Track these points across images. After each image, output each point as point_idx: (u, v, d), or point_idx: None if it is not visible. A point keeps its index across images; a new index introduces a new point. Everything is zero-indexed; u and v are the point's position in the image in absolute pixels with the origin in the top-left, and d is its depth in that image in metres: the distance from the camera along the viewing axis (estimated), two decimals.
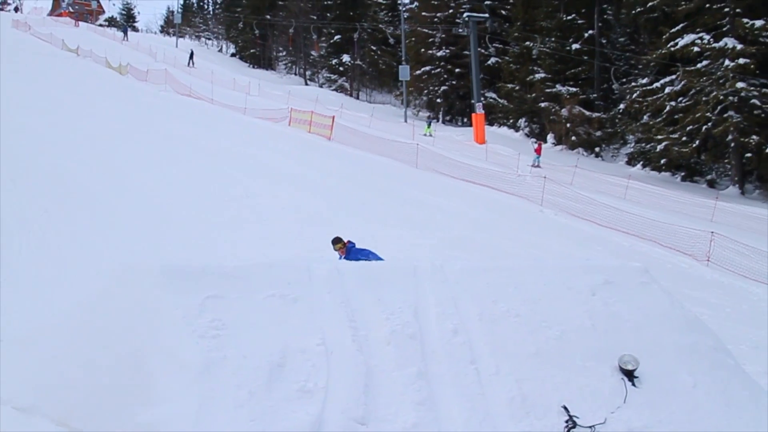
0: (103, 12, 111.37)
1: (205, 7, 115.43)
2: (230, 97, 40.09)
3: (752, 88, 37.27)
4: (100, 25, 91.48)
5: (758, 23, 37.08)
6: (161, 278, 5.74)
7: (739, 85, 36.91)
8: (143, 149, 21.28)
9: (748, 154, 38.53)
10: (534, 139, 45.44)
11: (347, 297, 5.98)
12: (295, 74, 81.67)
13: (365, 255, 10.21)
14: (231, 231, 13.83)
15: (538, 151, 36.40)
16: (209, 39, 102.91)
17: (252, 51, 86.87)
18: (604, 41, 53.01)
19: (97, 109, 27.61)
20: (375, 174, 25.01)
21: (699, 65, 39.00)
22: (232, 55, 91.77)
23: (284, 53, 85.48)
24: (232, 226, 14.27)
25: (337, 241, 10.67)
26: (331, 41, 74.64)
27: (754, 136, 37.23)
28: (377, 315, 5.81)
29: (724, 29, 38.50)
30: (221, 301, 5.61)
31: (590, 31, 51.63)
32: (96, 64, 47.30)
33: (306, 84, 74.66)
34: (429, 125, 46.35)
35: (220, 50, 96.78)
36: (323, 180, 21.83)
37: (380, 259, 10.18)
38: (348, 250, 10.48)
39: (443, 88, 62.37)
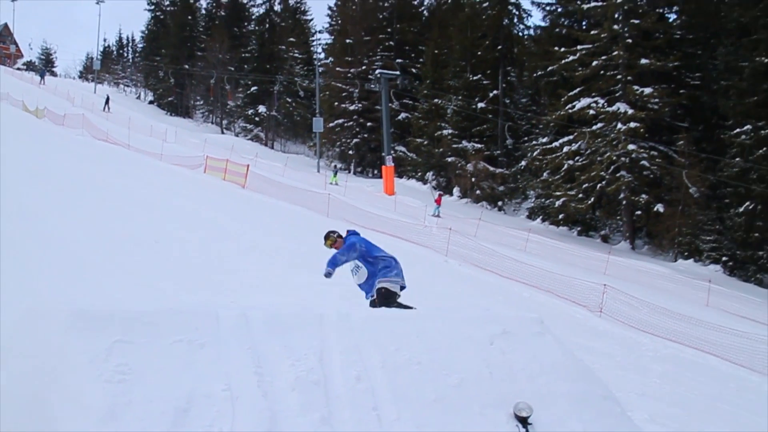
0: (22, 56, 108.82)
1: (125, 54, 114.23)
2: (147, 143, 39.56)
3: (642, 150, 38.97)
4: (18, 69, 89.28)
5: (647, 90, 38.95)
6: (68, 322, 5.55)
7: (630, 147, 38.53)
8: (56, 193, 20.70)
9: (638, 212, 40.20)
10: (438, 191, 46.33)
11: (254, 343, 5.89)
12: (212, 123, 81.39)
13: (349, 246, 8.98)
14: (141, 275, 13.51)
15: (438, 201, 37.54)
16: (128, 86, 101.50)
17: (170, 99, 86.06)
18: (507, 101, 54.61)
19: (10, 152, 26.78)
20: (287, 221, 24.91)
21: (594, 127, 40.47)
22: (150, 102, 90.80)
23: (202, 102, 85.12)
24: (142, 271, 13.94)
25: (327, 237, 9.45)
26: (248, 92, 74.66)
27: (644, 195, 38.89)
28: (283, 361, 5.75)
29: (617, 95, 40.27)
30: (129, 345, 5.45)
31: (495, 91, 53.23)
32: (12, 107, 45.98)
33: (222, 132, 74.46)
34: (335, 174, 47.32)
35: (139, 97, 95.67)
36: (236, 226, 21.61)
37: (369, 245, 9.15)
38: (343, 243, 9.22)
39: (355, 140, 63.21)
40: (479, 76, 53.67)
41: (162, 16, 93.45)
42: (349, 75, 63.35)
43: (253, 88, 74.39)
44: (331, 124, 62.89)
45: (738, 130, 37.32)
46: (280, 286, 13.08)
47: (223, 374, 5.44)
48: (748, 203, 36.66)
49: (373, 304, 8.63)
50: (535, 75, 50.00)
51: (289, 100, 73.63)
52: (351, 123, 63.58)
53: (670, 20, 46.21)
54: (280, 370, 5.65)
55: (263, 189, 30.13)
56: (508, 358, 6.50)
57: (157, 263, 14.87)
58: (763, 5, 36.51)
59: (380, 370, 5.92)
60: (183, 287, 13.06)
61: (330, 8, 75.09)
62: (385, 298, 8.61)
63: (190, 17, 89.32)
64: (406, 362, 6.06)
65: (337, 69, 65.21)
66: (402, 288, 8.99)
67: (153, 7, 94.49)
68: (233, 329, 6.05)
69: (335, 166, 57.35)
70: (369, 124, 62.65)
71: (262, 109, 73.39)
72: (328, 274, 8.89)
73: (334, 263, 8.84)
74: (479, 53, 54.11)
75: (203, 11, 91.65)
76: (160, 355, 5.47)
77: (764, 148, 35.89)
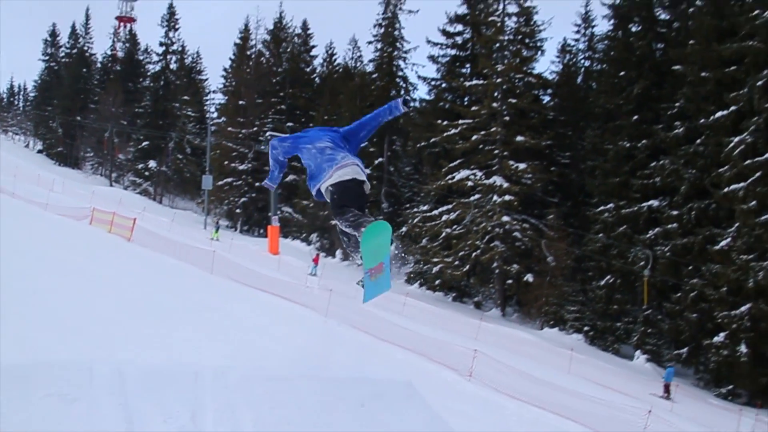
0: None
1: (15, 102, 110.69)
2: (33, 192, 38.04)
3: (515, 222, 40.27)
4: None
5: (522, 166, 40.46)
6: None
7: (505, 218, 39.73)
8: None
9: (510, 281, 41.24)
10: (318, 251, 46.99)
11: (127, 398, 5.75)
12: (101, 175, 79.42)
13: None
14: (14, 327, 12.90)
15: (315, 261, 37.91)
16: (17, 134, 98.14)
17: (59, 149, 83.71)
18: (392, 169, 55.40)
19: None
20: (170, 277, 24.32)
21: (472, 198, 41.55)
22: (39, 151, 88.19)
23: (92, 153, 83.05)
24: (15, 322, 13.32)
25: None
26: (140, 147, 73.50)
27: (515, 265, 40.05)
28: (155, 418, 5.63)
29: (494, 168, 41.63)
30: None
31: (380, 159, 53.94)
32: None
33: (111, 185, 72.54)
34: (217, 230, 47.68)
35: (27, 146, 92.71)
36: (118, 279, 20.93)
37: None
38: None
39: (243, 199, 62.98)
40: (366, 143, 54.58)
41: (56, 67, 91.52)
42: (241, 135, 63.27)
43: (144, 143, 73.22)
44: (220, 182, 62.48)
45: (602, 207, 39.32)
46: (159, 341, 12.74)
47: (94, 430, 5.28)
48: (608, 277, 38.38)
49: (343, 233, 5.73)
50: (418, 145, 51.12)
51: (180, 156, 72.74)
52: (240, 182, 63.35)
53: (545, 102, 48.47)
54: (152, 427, 5.53)
55: (149, 243, 29.39)
56: (378, 420, 6.55)
57: (31, 315, 14.24)
58: (625, 94, 38.92)
59: (252, 428, 5.87)
60: (58, 340, 12.54)
61: (225, 69, 75.15)
62: (340, 195, 5.74)
63: (84, 70, 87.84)
64: (279, 421, 6.03)
65: (229, 129, 65.08)
66: (364, 176, 6.00)
67: (47, 57, 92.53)
68: (107, 384, 5.89)
69: (217, 222, 56.90)
70: (257, 183, 62.44)
71: (152, 164, 72.24)
72: (265, 185, 6.60)
73: (270, 174, 6.50)
74: None
75: (99, 64, 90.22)
76: (29, 409, 5.27)
77: (624, 226, 37.88)
